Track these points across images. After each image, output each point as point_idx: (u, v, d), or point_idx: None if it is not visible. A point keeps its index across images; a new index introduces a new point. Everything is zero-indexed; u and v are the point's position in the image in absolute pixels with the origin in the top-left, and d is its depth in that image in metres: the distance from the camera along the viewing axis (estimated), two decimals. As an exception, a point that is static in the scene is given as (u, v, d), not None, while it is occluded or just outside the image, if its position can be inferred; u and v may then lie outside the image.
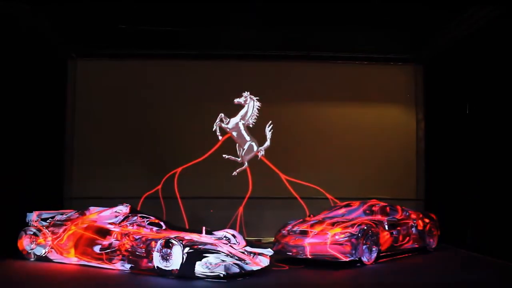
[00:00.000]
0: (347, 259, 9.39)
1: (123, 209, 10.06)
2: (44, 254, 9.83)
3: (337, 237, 9.48)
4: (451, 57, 12.71)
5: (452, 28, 11.91)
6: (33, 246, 9.87)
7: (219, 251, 8.60)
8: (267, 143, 14.27)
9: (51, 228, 10.00)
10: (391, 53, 14.31)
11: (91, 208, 10.51)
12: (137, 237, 8.99)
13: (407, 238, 10.91)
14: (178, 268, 8.29)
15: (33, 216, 10.33)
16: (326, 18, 11.89)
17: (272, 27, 12.51)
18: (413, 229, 11.15)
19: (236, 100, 14.18)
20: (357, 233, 9.50)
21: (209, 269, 8.22)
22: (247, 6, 11.27)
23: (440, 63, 13.49)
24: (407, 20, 11.88)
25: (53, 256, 9.80)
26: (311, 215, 11.21)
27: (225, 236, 9.51)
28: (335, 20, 11.96)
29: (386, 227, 10.39)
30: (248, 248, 9.40)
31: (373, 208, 10.86)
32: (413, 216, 11.46)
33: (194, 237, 9.05)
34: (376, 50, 14.09)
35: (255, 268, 8.82)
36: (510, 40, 10.14)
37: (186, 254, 8.26)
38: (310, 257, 9.57)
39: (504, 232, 10.13)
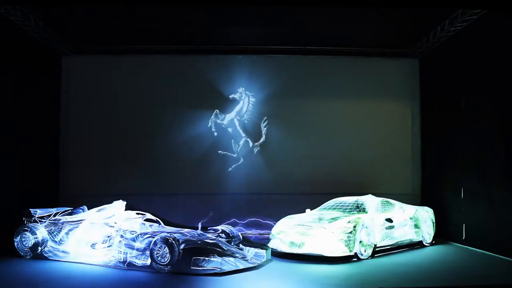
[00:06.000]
0: (343, 254, 9.42)
1: (119, 206, 10.06)
2: (40, 251, 9.81)
3: (333, 232, 9.51)
4: (447, 52, 12.70)
5: (447, 22, 11.90)
6: (29, 244, 9.84)
7: (215, 247, 8.62)
8: (263, 138, 14.26)
9: (47, 226, 9.97)
10: (386, 48, 14.29)
11: (87, 205, 10.51)
12: (133, 234, 9.00)
13: (403, 232, 10.94)
14: (174, 264, 8.30)
15: (29, 214, 10.30)
16: (322, 13, 11.87)
17: (268, 22, 12.47)
18: (409, 223, 11.18)
19: (231, 96, 14.16)
20: (352, 228, 9.54)
21: (205, 265, 8.24)
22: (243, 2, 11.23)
23: (436, 57, 13.48)
24: (403, 15, 11.87)
25: (49, 253, 9.79)
26: (308, 210, 11.22)
27: (221, 232, 9.52)
28: (331, 14, 11.95)
29: (382, 222, 10.43)
30: (244, 244, 9.43)
31: (369, 203, 10.88)
32: (409, 210, 11.49)
33: (190, 233, 9.05)
34: (372, 44, 14.08)
35: (251, 263, 8.85)
36: (504, 35, 10.15)
37: (182, 251, 8.29)
38: (306, 252, 9.59)
39: (498, 227, 10.17)
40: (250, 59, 14.31)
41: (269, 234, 10.75)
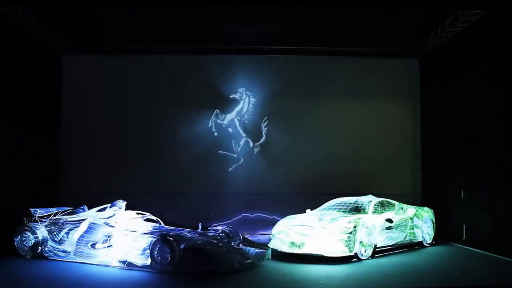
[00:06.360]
0: (344, 254, 9.41)
1: (119, 205, 10.06)
2: (40, 251, 9.81)
3: (333, 232, 9.50)
4: (448, 52, 12.69)
5: (447, 23, 11.91)
6: (29, 243, 9.84)
7: (215, 247, 8.62)
8: (263, 138, 14.27)
9: (47, 226, 9.96)
10: (387, 48, 14.27)
11: (87, 205, 10.52)
12: (133, 233, 8.99)
13: (403, 233, 10.94)
14: (174, 264, 8.30)
15: (29, 214, 10.29)
16: (322, 13, 11.87)
17: (268, 22, 12.46)
18: (409, 224, 11.18)
19: (232, 96, 14.17)
20: (353, 228, 9.53)
21: (205, 265, 8.24)
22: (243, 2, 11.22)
23: (436, 57, 13.48)
24: (403, 15, 11.88)
25: (50, 253, 9.78)
26: (308, 210, 11.22)
27: (221, 232, 9.52)
28: (331, 14, 11.95)
29: (382, 222, 10.42)
30: (245, 244, 9.42)
31: (369, 203, 10.87)
32: (409, 211, 11.49)
33: (190, 233, 9.05)
34: (372, 44, 14.07)
35: (251, 263, 8.84)
36: (504, 35, 10.15)
37: (182, 251, 8.28)
38: (306, 252, 9.58)
39: (498, 227, 10.17)
40: (250, 59, 14.30)
41: (269, 233, 10.73)
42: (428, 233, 11.79)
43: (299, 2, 10.15)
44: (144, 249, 8.66)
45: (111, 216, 9.68)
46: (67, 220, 10.00)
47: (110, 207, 10.09)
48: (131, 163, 13.91)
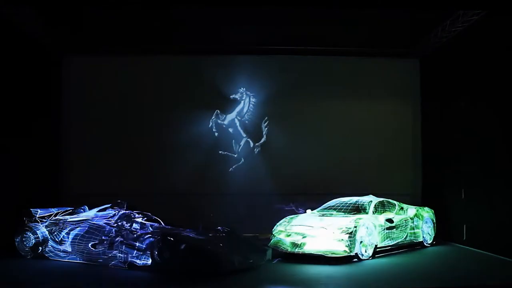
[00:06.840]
0: (344, 254, 9.41)
1: (120, 206, 10.06)
2: (41, 251, 9.81)
3: (334, 232, 9.50)
4: (448, 52, 12.69)
5: (448, 23, 11.91)
6: (30, 244, 9.83)
7: (215, 247, 8.62)
8: (263, 139, 14.26)
9: (48, 226, 9.96)
10: (387, 48, 14.26)
11: (88, 205, 10.52)
12: (134, 233, 8.99)
13: (404, 233, 10.94)
14: (174, 264, 8.30)
15: (30, 214, 10.29)
16: (323, 13, 11.87)
17: (268, 22, 12.46)
18: (410, 224, 11.18)
19: (232, 96, 14.16)
20: (353, 228, 9.52)
21: (205, 264, 8.24)
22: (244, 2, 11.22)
23: (437, 57, 13.47)
24: (404, 15, 11.88)
25: (50, 253, 9.79)
26: (308, 211, 11.22)
27: (221, 232, 9.51)
28: (331, 14, 11.95)
29: (383, 222, 10.42)
30: (245, 244, 9.42)
31: (370, 203, 10.87)
32: (410, 211, 11.48)
33: (191, 233, 9.05)
34: (372, 44, 14.05)
35: (251, 263, 8.84)
36: (504, 35, 10.15)
37: (182, 250, 8.28)
38: (307, 252, 9.58)
39: (499, 227, 10.17)
40: (251, 59, 14.29)
41: (269, 234, 10.73)
42: (428, 233, 11.80)
43: (299, 2, 10.15)
44: (145, 249, 8.67)
45: (111, 216, 9.68)
46: (68, 220, 10.00)
47: (111, 207, 10.09)
48: (131, 163, 13.88)
